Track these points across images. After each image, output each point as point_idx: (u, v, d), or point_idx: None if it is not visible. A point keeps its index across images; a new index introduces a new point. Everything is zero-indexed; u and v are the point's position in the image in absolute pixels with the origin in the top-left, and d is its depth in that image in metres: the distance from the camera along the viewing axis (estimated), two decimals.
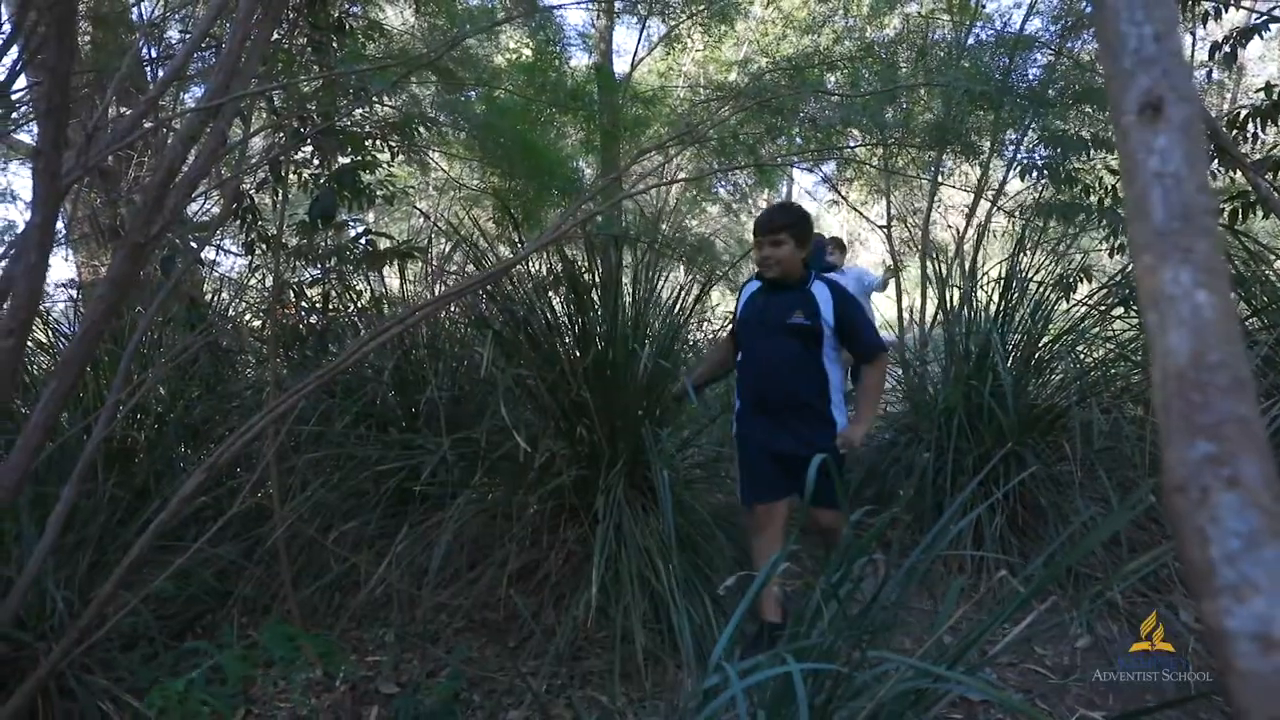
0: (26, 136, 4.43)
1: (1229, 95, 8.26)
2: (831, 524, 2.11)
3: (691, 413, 2.43)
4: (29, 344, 2.07)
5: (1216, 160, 3.07)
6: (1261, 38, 3.14)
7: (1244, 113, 3.09)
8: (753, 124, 5.83)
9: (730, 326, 2.31)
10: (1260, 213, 3.01)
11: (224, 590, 2.25)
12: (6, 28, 1.48)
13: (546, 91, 5.80)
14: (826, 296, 2.05)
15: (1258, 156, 3.12)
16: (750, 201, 9.52)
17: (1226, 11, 3.31)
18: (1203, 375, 0.31)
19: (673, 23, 7.25)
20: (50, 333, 2.85)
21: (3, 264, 1.52)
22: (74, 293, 3.91)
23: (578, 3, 6.11)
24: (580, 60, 7.19)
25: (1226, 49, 3.19)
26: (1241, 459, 0.30)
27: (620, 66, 7.51)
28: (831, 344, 2.05)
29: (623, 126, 6.34)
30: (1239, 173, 3.03)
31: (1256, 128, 3.05)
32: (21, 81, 2.11)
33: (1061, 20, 5.05)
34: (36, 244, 1.12)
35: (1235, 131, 3.08)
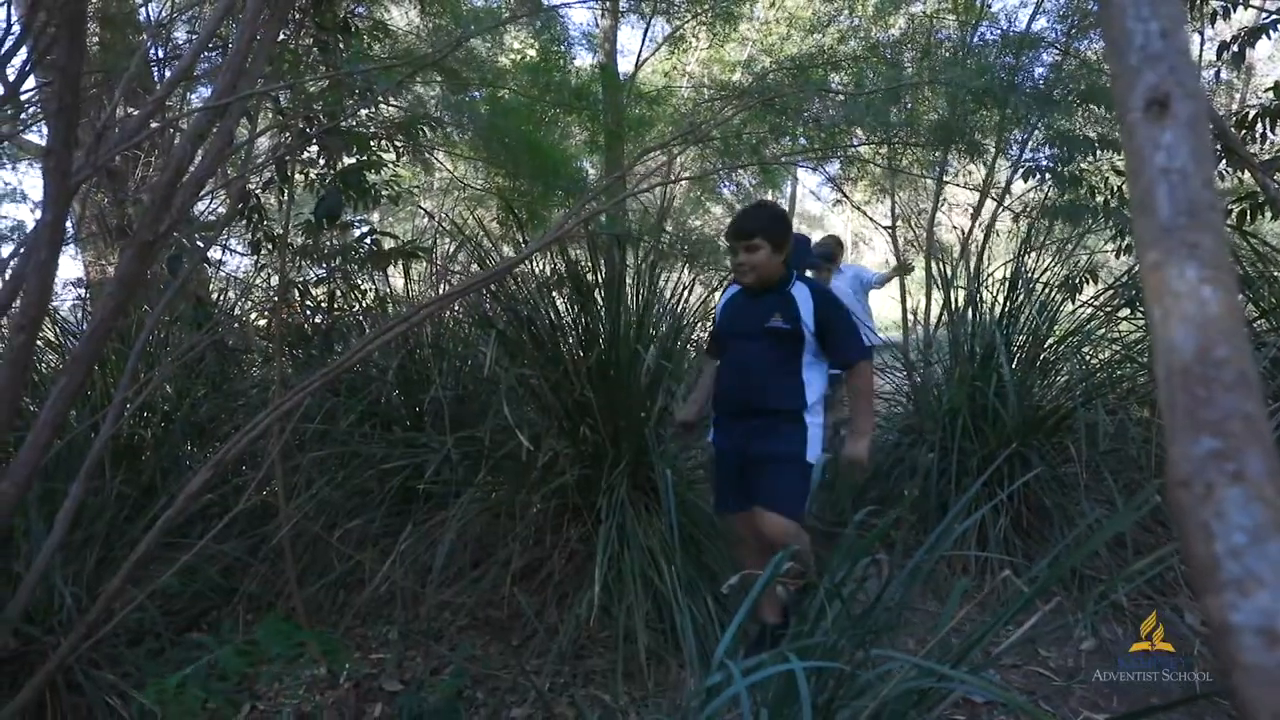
0: (35, 136, 4.47)
1: (1237, 95, 8.21)
2: (772, 532, 1.87)
3: (674, 450, 2.38)
4: (38, 342, 2.09)
5: (1225, 160, 3.05)
6: (1270, 37, 3.12)
7: (1252, 113, 3.08)
8: (756, 124, 5.82)
9: (709, 342, 2.21)
10: (1268, 213, 2.99)
11: (229, 587, 2.26)
12: (16, 29, 1.49)
13: (551, 91, 5.81)
14: (807, 299, 1.94)
15: (1266, 157, 3.10)
16: (754, 201, 9.51)
17: (1235, 11, 3.29)
18: (1208, 371, 0.31)
19: (677, 23, 7.25)
20: (58, 331, 2.88)
21: (13, 262, 1.54)
22: (82, 291, 3.94)
23: (582, 2, 6.13)
24: (585, 60, 7.20)
25: (1235, 49, 3.18)
26: (1246, 454, 0.30)
27: (625, 66, 7.52)
28: (813, 348, 1.95)
29: (627, 126, 6.34)
30: (1247, 173, 3.01)
31: (1265, 128, 3.04)
32: (30, 82, 2.12)
33: (1068, 19, 5.03)
34: (47, 241, 1.13)
35: (1243, 131, 3.07)
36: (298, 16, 2.64)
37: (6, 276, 1.39)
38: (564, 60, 6.24)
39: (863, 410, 1.96)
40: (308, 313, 3.05)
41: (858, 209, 7.38)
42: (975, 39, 5.49)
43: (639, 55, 7.57)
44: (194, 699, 1.69)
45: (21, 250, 1.49)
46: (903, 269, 5.03)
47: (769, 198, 9.05)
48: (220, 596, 2.26)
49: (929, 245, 5.97)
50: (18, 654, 1.68)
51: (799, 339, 1.93)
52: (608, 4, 6.59)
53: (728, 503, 2.06)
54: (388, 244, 3.14)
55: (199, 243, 3.09)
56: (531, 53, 6.52)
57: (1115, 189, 4.11)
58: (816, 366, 1.97)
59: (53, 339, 2.84)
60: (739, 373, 2.00)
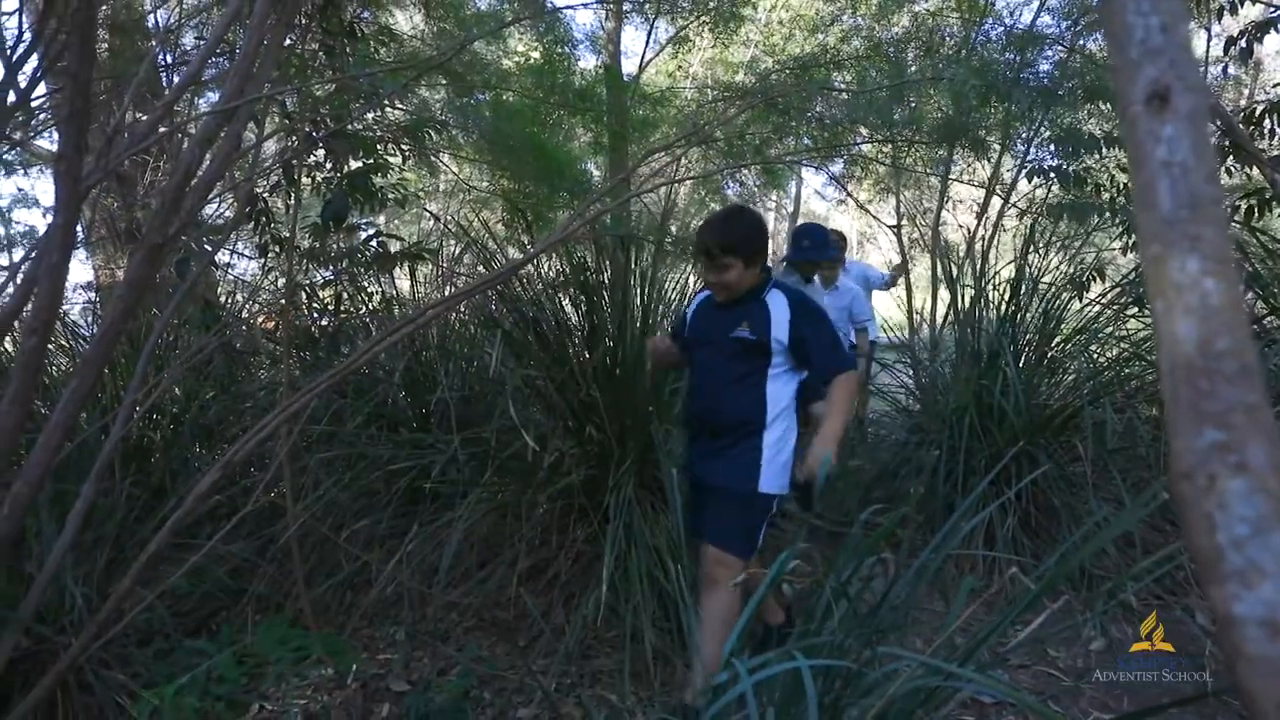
0: (46, 142, 4.52)
1: (1246, 91, 8.14)
2: (709, 568, 1.73)
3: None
4: (49, 345, 2.11)
5: (1233, 156, 3.03)
6: (1278, 32, 3.10)
7: (1260, 108, 3.06)
8: (760, 124, 5.83)
9: (670, 329, 2.09)
10: (1277, 209, 2.96)
11: (238, 588, 2.28)
12: (28, 36, 1.51)
13: (555, 93, 5.83)
14: (782, 309, 1.78)
15: (1275, 152, 3.08)
16: (759, 202, 9.51)
17: (1243, 6, 3.27)
18: (1210, 363, 0.31)
19: (681, 23, 7.27)
20: (69, 334, 2.91)
21: (25, 266, 1.55)
22: (92, 295, 3.98)
23: (585, 4, 6.14)
24: (589, 62, 7.22)
25: (1242, 44, 3.16)
26: (1249, 446, 0.30)
27: (629, 68, 7.55)
28: (782, 362, 1.79)
29: (631, 127, 6.35)
30: (1255, 169, 2.99)
31: (1273, 123, 3.01)
32: (41, 89, 2.15)
33: (1072, 16, 5.01)
34: (58, 245, 1.15)
35: (1251, 127, 3.05)
36: (304, 22, 2.67)
37: (18, 280, 1.41)
38: (568, 62, 6.26)
39: (832, 418, 1.74)
40: (315, 315, 3.08)
41: (862, 208, 7.37)
42: (979, 36, 5.47)
43: (643, 56, 7.59)
44: (190, 707, 1.70)
45: (33, 254, 1.51)
46: (905, 266, 5.03)
47: (754, 201, 8.93)
48: (229, 597, 2.27)
49: (934, 244, 5.96)
50: (30, 653, 1.70)
51: (764, 351, 1.79)
52: (611, 6, 6.61)
53: (692, 529, 1.87)
54: (394, 246, 3.16)
55: (207, 246, 3.12)
56: (536, 56, 6.55)
57: (1121, 186, 4.09)
58: (783, 380, 1.82)
59: (63, 342, 2.87)
60: (699, 384, 1.88)
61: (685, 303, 2.66)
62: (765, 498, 1.77)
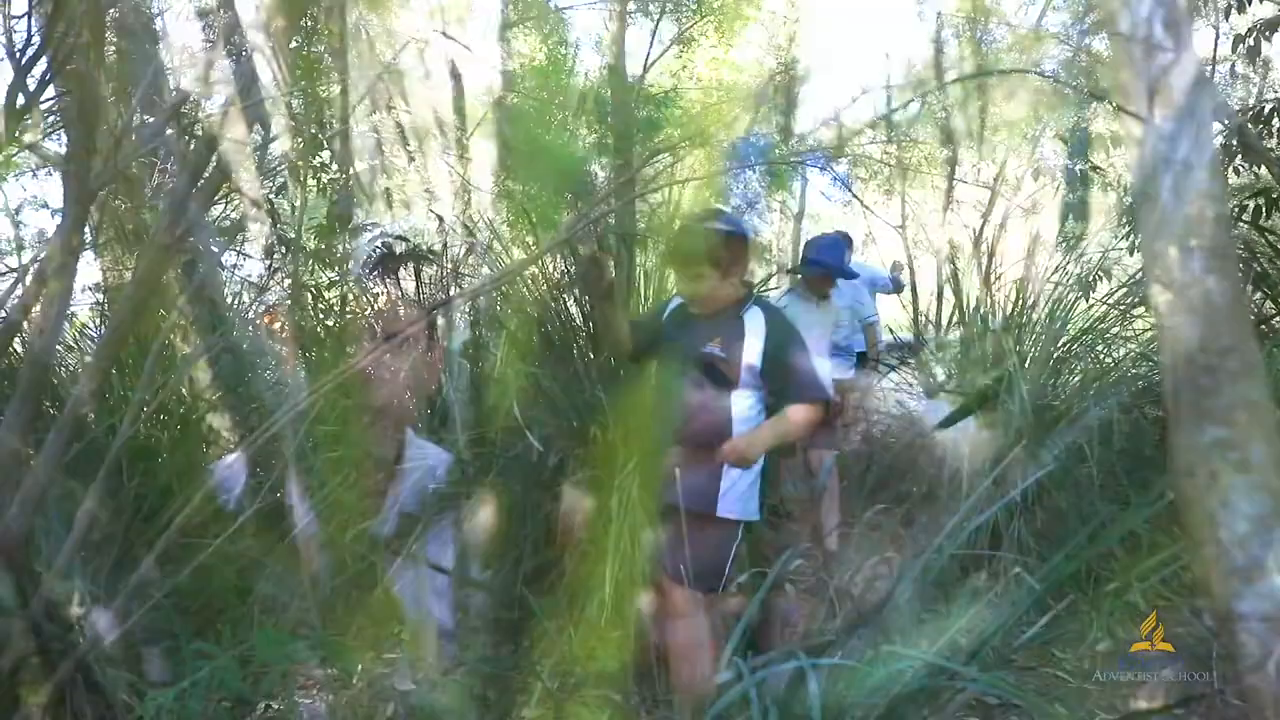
0: (54, 144, 4.55)
1: (1254, 89, 8.09)
2: (671, 604, 1.63)
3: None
4: (57, 345, 2.13)
5: (1240, 155, 3.01)
6: None
7: (1269, 107, 3.04)
8: (764, 125, 5.82)
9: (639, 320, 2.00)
10: None
11: (244, 587, 2.29)
12: (36, 39, 1.53)
13: (560, 95, 5.84)
14: (759, 328, 1.65)
15: None
16: (762, 204, 9.49)
17: (1251, 4, 3.24)
18: (1212, 360, 0.31)
19: (684, 24, 7.27)
20: (77, 335, 2.93)
21: (35, 266, 1.57)
22: (100, 295, 4.00)
23: (589, 4, 6.16)
24: (593, 63, 7.24)
25: (1250, 42, 3.13)
26: (1251, 442, 0.30)
27: (634, 68, 7.55)
28: (752, 384, 1.66)
29: (635, 129, 6.36)
30: (1263, 168, 2.97)
31: None
32: (48, 91, 2.17)
33: (1080, 17, 4.99)
34: (67, 245, 1.16)
35: (1259, 126, 3.03)
36: (311, 24, 2.68)
37: (28, 281, 1.43)
38: (571, 64, 6.28)
39: (772, 426, 1.62)
40: (320, 316, 3.09)
41: (867, 209, 7.36)
42: (984, 36, 5.46)
43: (646, 58, 7.59)
44: (195, 707, 1.71)
45: (42, 255, 1.53)
46: (907, 266, 5.03)
47: (758, 202, 8.80)
48: (236, 596, 2.28)
49: (939, 245, 5.95)
50: (38, 652, 1.71)
51: (733, 371, 1.67)
52: (615, 7, 6.62)
53: (667, 563, 1.69)
54: (399, 247, 3.17)
55: (214, 248, 3.13)
56: (540, 58, 6.57)
57: (1127, 185, 4.07)
58: (752, 402, 1.70)
59: (71, 344, 2.89)
60: (665, 397, 1.77)
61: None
62: (727, 523, 1.63)
